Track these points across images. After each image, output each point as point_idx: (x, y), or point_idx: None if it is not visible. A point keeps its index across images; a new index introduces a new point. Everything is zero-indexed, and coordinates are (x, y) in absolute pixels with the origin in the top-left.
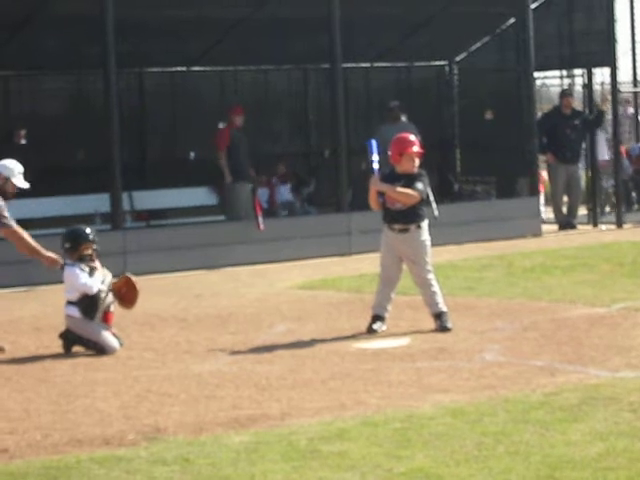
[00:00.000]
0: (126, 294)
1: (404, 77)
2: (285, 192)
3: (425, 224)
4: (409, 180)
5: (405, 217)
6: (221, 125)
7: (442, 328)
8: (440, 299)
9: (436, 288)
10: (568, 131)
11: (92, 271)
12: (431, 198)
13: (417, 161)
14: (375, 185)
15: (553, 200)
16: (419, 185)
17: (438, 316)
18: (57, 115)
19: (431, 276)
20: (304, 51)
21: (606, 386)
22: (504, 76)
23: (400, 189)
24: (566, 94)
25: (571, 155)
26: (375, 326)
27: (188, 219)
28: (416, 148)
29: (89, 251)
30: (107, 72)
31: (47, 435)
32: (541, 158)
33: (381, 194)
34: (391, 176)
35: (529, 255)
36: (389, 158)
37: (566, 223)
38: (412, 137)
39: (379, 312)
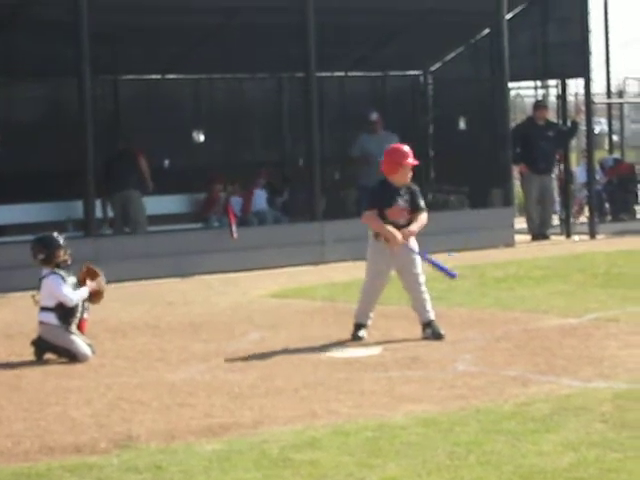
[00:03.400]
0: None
1: (379, 86)
2: (261, 201)
3: None
4: (411, 195)
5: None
6: None
7: (436, 335)
8: (430, 307)
9: (427, 295)
10: (542, 142)
11: (75, 284)
12: None
13: (411, 173)
14: (404, 235)
15: (526, 211)
16: (422, 202)
17: (428, 324)
18: (31, 121)
19: (424, 282)
20: (279, 59)
21: (578, 396)
22: (478, 86)
23: (420, 223)
24: (540, 105)
25: (544, 166)
26: (360, 333)
27: (162, 227)
28: (412, 160)
29: (65, 256)
30: (81, 79)
31: (18, 442)
32: (514, 169)
33: (380, 210)
34: (389, 189)
35: (502, 265)
36: (381, 168)
37: (539, 234)
38: (407, 148)
39: (363, 320)
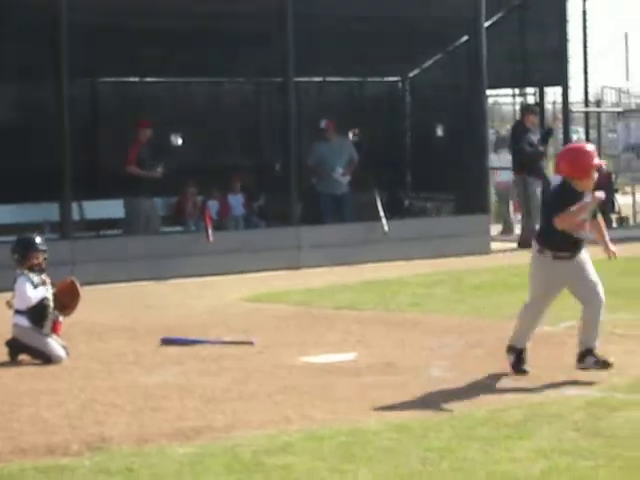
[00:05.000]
0: (67, 299)
1: (357, 92)
2: (238, 205)
3: None
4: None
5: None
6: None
7: (602, 364)
8: (599, 331)
9: (602, 316)
10: (538, 146)
11: (42, 282)
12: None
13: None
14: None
15: (528, 215)
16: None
17: (589, 352)
18: (8, 123)
19: (602, 296)
20: (257, 64)
21: (551, 404)
22: (456, 93)
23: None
24: (531, 110)
25: (541, 170)
26: (525, 366)
27: None
28: (598, 160)
29: (39, 260)
30: (59, 81)
31: None
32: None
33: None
34: (573, 195)
35: (478, 272)
36: (558, 170)
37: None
38: (590, 146)
39: (520, 344)
